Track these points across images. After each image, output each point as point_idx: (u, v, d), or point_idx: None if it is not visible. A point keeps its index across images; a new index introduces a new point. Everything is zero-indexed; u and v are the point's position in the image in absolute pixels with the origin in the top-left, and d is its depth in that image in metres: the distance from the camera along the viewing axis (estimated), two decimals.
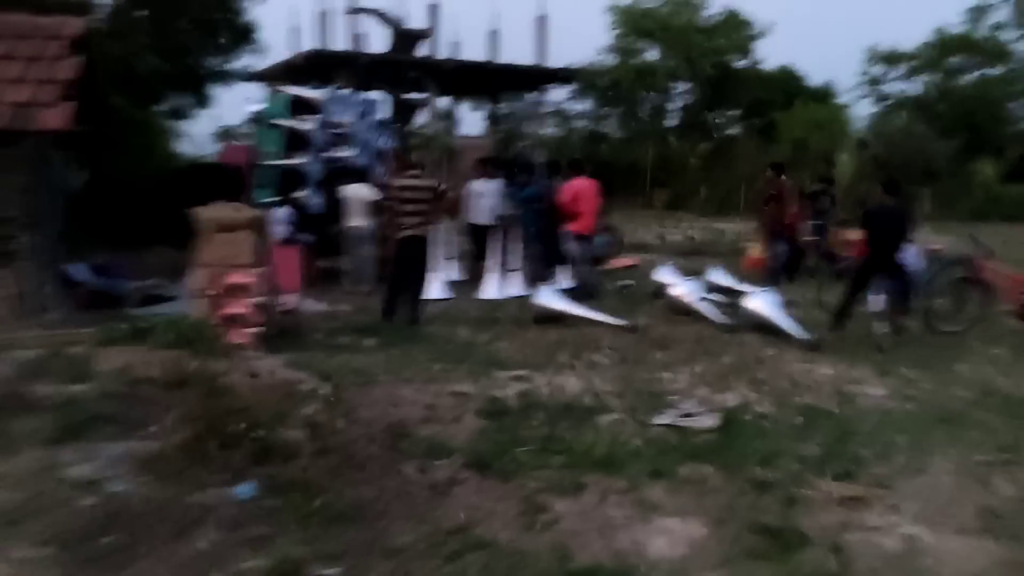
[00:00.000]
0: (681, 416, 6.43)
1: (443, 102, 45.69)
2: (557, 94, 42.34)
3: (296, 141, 12.63)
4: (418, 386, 7.24)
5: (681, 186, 33.30)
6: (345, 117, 12.72)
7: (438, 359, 8.26)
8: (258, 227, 8.24)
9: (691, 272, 14.42)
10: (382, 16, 38.01)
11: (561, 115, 42.84)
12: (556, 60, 38.38)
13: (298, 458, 5.08)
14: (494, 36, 40.56)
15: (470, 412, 6.55)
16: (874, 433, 6.29)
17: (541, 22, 39.32)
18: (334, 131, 12.78)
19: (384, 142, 13.72)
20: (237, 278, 7.80)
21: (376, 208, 11.84)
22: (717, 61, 36.19)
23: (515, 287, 12.30)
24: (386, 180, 13.63)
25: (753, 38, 37.32)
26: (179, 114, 22.12)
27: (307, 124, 12.42)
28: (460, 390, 7.14)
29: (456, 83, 39.84)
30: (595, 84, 37.26)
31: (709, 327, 10.07)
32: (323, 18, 39.65)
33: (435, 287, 12.01)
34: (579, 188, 12.01)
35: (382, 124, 13.81)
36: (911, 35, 46.61)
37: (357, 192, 11.88)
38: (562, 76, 37.59)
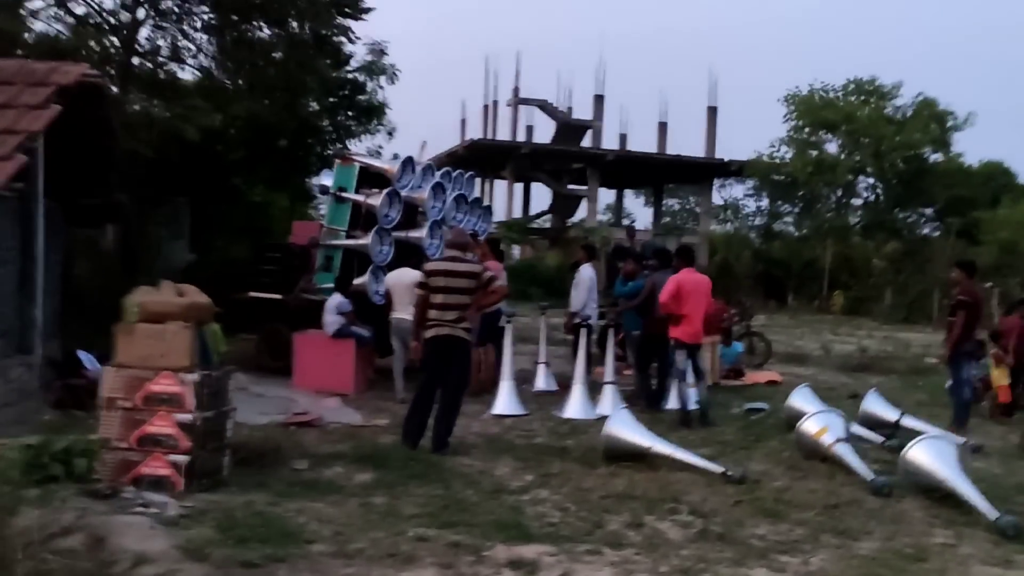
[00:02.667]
0: None
1: (606, 194, 43.79)
2: (733, 189, 39.52)
3: (368, 219, 10.60)
4: (357, 568, 4.69)
5: (863, 289, 29.20)
6: (422, 192, 10.60)
7: (432, 516, 5.67)
8: (199, 317, 6.06)
9: (852, 394, 11.31)
10: (545, 107, 36.65)
11: (733, 210, 39.75)
12: (726, 152, 35.73)
13: None
14: (662, 128, 38.37)
15: None
16: None
17: (711, 113, 36.76)
18: (411, 208, 10.66)
19: (470, 224, 11.48)
20: (162, 385, 5.63)
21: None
22: (909, 155, 32.21)
23: (607, 406, 9.57)
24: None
25: (951, 130, 33.08)
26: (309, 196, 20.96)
27: (375, 198, 10.36)
28: None
29: (620, 175, 37.76)
30: (768, 177, 34.06)
31: (851, 484, 6.95)
32: (488, 110, 38.89)
33: (504, 399, 9.48)
34: (684, 283, 9.24)
35: (470, 203, 11.57)
36: None
37: (402, 277, 9.62)
38: (732, 169, 34.71)
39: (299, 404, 9.14)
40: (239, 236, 17.39)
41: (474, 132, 37.37)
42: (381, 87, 19.20)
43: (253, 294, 11.11)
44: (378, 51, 19.00)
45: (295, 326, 10.76)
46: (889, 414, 9.13)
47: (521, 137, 37.09)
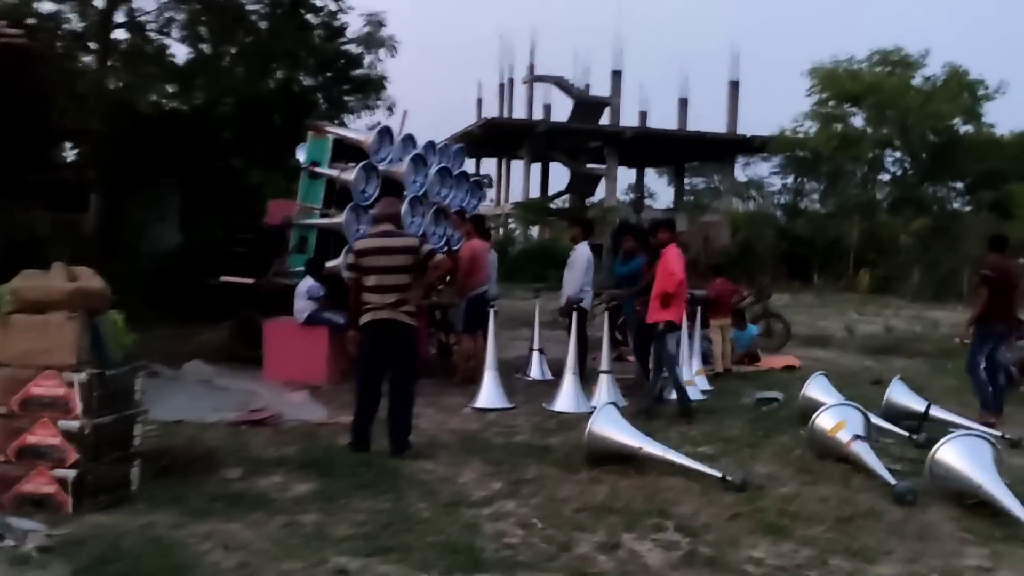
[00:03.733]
0: None
1: (627, 174, 42.59)
2: (758, 167, 38.17)
3: (343, 196, 9.65)
4: None
5: (891, 267, 27.91)
6: (400, 165, 9.62)
7: (367, 539, 4.73)
8: (90, 305, 5.15)
9: (875, 380, 10.26)
10: (561, 84, 35.53)
11: (756, 187, 38.45)
12: (749, 128, 34.44)
13: None
14: (683, 104, 37.09)
15: None
16: None
17: (733, 88, 35.46)
18: (392, 184, 9.68)
19: (457, 200, 10.50)
20: (44, 387, 4.73)
21: None
22: (938, 127, 30.76)
23: (602, 398, 8.60)
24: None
25: (982, 99, 31.54)
26: None
27: (350, 173, 9.40)
28: None
29: (640, 153, 36.58)
30: (792, 154, 32.73)
31: (869, 490, 5.94)
32: (504, 89, 37.81)
33: (487, 391, 8.54)
34: (667, 259, 8.18)
35: (456, 177, 10.57)
36: None
37: None
38: (755, 145, 33.44)
39: (261, 399, 8.26)
40: (229, 218, 16.61)
41: (490, 112, 36.40)
42: (380, 60, 18.31)
43: (224, 278, 10.23)
44: (376, 23, 18.09)
45: (269, 312, 9.88)
46: (915, 404, 8.06)
47: (538, 116, 36.01)
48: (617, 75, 34.62)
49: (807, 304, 22.70)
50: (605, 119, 34.47)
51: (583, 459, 6.43)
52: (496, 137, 33.70)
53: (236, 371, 9.60)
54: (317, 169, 9.71)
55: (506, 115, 36.00)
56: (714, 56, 70.14)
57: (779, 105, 69.04)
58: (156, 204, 15.37)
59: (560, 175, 37.07)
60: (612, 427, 6.39)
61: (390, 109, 18.41)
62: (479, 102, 37.99)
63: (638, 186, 41.11)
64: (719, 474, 5.95)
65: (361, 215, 9.58)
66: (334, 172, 9.58)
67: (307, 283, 9.37)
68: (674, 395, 8.39)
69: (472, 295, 9.32)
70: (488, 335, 8.78)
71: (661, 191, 45.32)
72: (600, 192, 35.37)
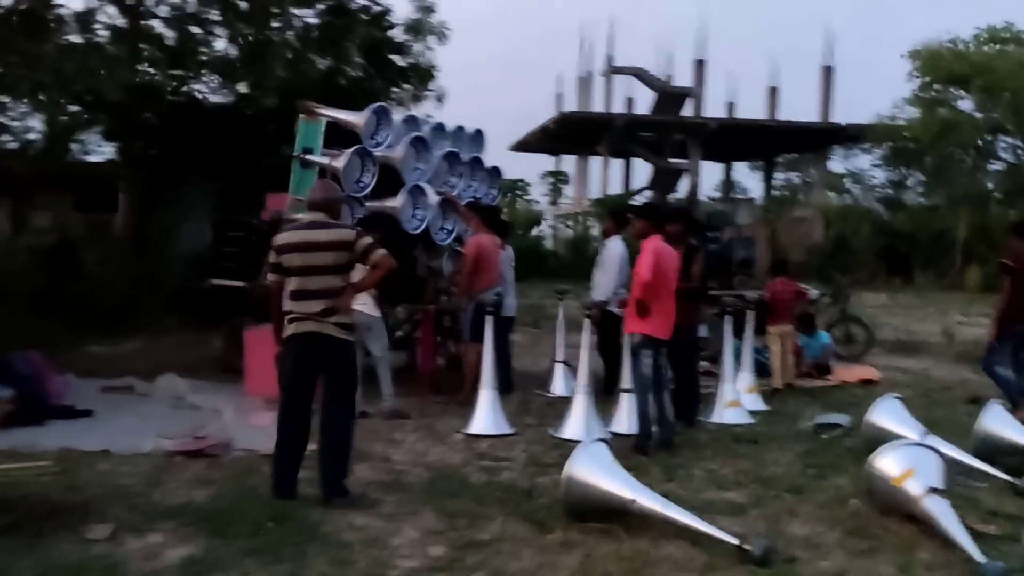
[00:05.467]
0: None
1: (713, 168, 40.23)
2: (858, 160, 35.52)
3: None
4: None
5: None
6: (398, 151, 8.26)
7: None
8: None
9: (972, 398, 8.41)
10: (641, 76, 33.61)
11: (856, 179, 35.70)
12: (844, 116, 31.86)
13: None
14: (772, 93, 34.67)
15: None
16: None
17: (827, 74, 32.88)
18: (394, 172, 8.34)
19: (470, 190, 9.08)
20: None
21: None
22: None
23: (622, 422, 7.06)
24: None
25: None
26: None
27: (341, 159, 8.11)
28: None
29: (726, 145, 34.39)
30: (892, 143, 30.05)
31: (945, 567, 4.26)
32: (583, 83, 36.17)
33: (482, 414, 7.11)
34: (659, 255, 6.51)
35: (470, 164, 9.13)
36: None
37: None
38: (850, 134, 30.87)
39: (221, 421, 7.04)
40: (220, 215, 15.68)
41: (570, 106, 34.81)
42: (430, 48, 17.08)
43: (215, 281, 9.11)
44: (425, 8, 16.88)
45: (263, 319, 8.66)
46: (1020, 436, 6.24)
47: (620, 109, 34.28)
48: (700, 64, 32.51)
49: (905, 304, 20.38)
50: (688, 111, 32.45)
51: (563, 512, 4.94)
52: (573, 132, 32.11)
53: (218, 385, 8.45)
54: (309, 157, 8.44)
55: (586, 109, 34.35)
56: (806, 41, 66.41)
57: (877, 91, 64.95)
58: (190, 203, 14.52)
59: (643, 170, 35.19)
60: (598, 471, 4.87)
61: (439, 99, 17.17)
62: (558, 97, 36.43)
63: (726, 181, 38.81)
64: (735, 541, 4.37)
65: (356, 209, 8.27)
66: (325, 160, 8.29)
67: None
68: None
69: (479, 298, 7.90)
70: (485, 345, 7.31)
71: (752, 185, 42.82)
72: (683, 187, 33.36)
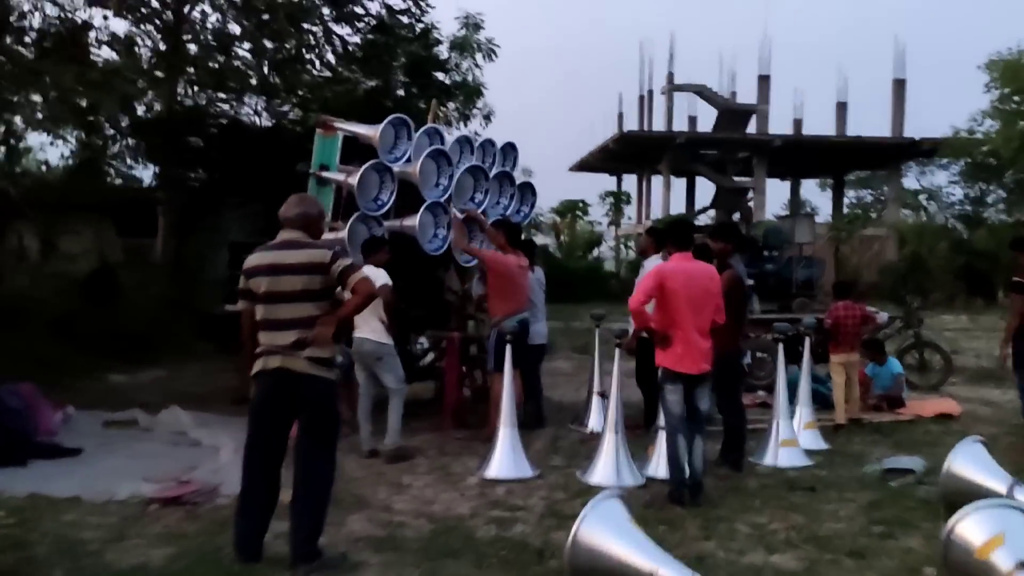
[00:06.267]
0: None
1: (781, 186, 38.79)
2: (935, 177, 33.83)
3: (352, 205, 7.71)
4: None
5: None
6: (417, 165, 7.56)
7: None
8: None
9: None
10: (703, 93, 32.58)
11: (932, 196, 33.99)
12: (917, 131, 30.30)
13: None
14: (841, 108, 33.27)
15: None
16: None
17: (898, 87, 31.38)
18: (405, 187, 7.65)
19: (499, 208, 8.32)
20: None
21: (389, 306, 6.60)
22: None
23: (660, 464, 6.18)
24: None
25: None
26: None
27: (355, 176, 7.45)
28: None
29: (793, 162, 33.08)
30: (971, 160, 28.37)
31: None
32: (644, 101, 35.32)
33: (500, 456, 6.31)
34: (670, 276, 5.59)
35: (497, 179, 8.37)
36: None
37: None
38: (924, 148, 29.31)
39: (217, 461, 6.39)
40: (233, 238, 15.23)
41: (631, 126, 33.95)
42: (478, 66, 16.49)
43: (229, 307, 8.52)
44: (473, 25, 16.31)
45: None
46: None
47: (681, 128, 33.29)
48: (765, 80, 31.38)
49: (988, 327, 18.89)
50: (753, 128, 31.30)
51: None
52: (634, 151, 31.27)
53: (226, 419, 7.80)
54: (325, 174, 7.82)
55: (647, 128, 33.46)
56: (876, 54, 64.24)
57: (952, 104, 62.28)
58: (229, 226, 14.13)
59: (708, 189, 34.06)
60: (611, 535, 4.04)
61: (487, 118, 16.54)
62: (619, 116, 35.56)
63: (793, 199, 37.33)
64: None
65: (373, 228, 7.61)
66: (340, 176, 7.66)
67: None
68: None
69: (501, 326, 7.14)
70: (505, 377, 6.52)
71: (822, 204, 41.21)
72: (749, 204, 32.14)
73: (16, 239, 12.05)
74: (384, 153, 7.65)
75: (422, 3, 14.68)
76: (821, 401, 8.17)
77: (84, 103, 11.04)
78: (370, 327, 6.63)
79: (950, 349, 11.32)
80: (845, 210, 36.11)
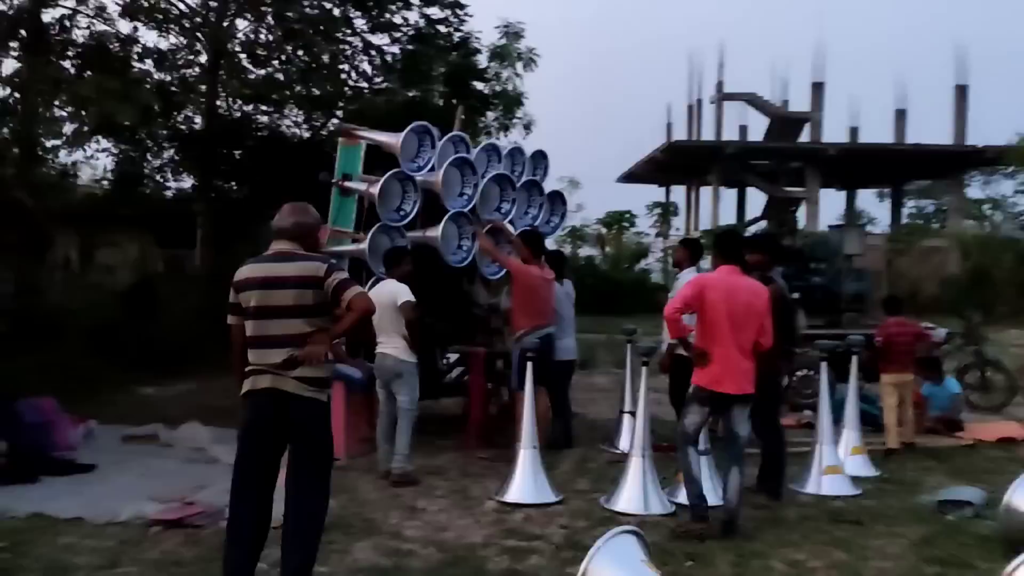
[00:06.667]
0: None
1: (836, 196, 37.68)
2: (1001, 186, 32.67)
3: (374, 215, 7.45)
4: None
5: None
6: (439, 174, 7.25)
7: None
8: None
9: None
10: (754, 101, 31.86)
11: (994, 205, 32.78)
12: (980, 139, 29.22)
13: None
14: (899, 116, 32.25)
15: None
16: None
17: (960, 93, 30.29)
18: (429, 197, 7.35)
19: (527, 219, 7.99)
20: None
21: (411, 323, 6.29)
22: None
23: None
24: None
25: None
26: None
27: (376, 186, 7.18)
28: None
29: (849, 172, 32.10)
30: None
31: None
32: (693, 110, 34.71)
33: (519, 479, 5.96)
34: (711, 288, 5.20)
35: (526, 188, 8.03)
36: None
37: (381, 295, 6.22)
38: (988, 156, 28.20)
39: (227, 478, 6.13)
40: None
41: (681, 136, 33.36)
42: (518, 75, 16.22)
43: None
44: (513, 34, 16.05)
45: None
46: None
47: (731, 137, 32.60)
48: (818, 88, 30.55)
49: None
50: (806, 137, 30.50)
51: None
52: (682, 161, 30.66)
53: None
54: (348, 184, 7.57)
55: (696, 138, 32.86)
56: (936, 59, 62.45)
57: (1018, 110, 60.17)
58: (267, 238, 14.05)
59: (759, 200, 33.28)
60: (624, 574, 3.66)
61: (527, 127, 16.25)
62: (668, 126, 34.99)
63: (849, 210, 36.27)
64: None
65: (396, 239, 7.34)
66: (361, 186, 7.40)
67: None
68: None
69: (527, 340, 6.80)
70: (526, 395, 6.16)
71: (881, 215, 40.08)
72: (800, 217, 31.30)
73: (58, 252, 12.10)
74: (406, 162, 7.39)
75: (460, 12, 14.46)
76: (872, 423, 7.67)
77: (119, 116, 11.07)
78: (392, 343, 6.33)
79: (1015, 367, 10.64)
80: (905, 221, 35.02)
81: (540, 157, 8.47)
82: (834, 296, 10.75)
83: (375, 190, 7.20)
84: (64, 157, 13.19)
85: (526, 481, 5.89)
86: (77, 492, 5.86)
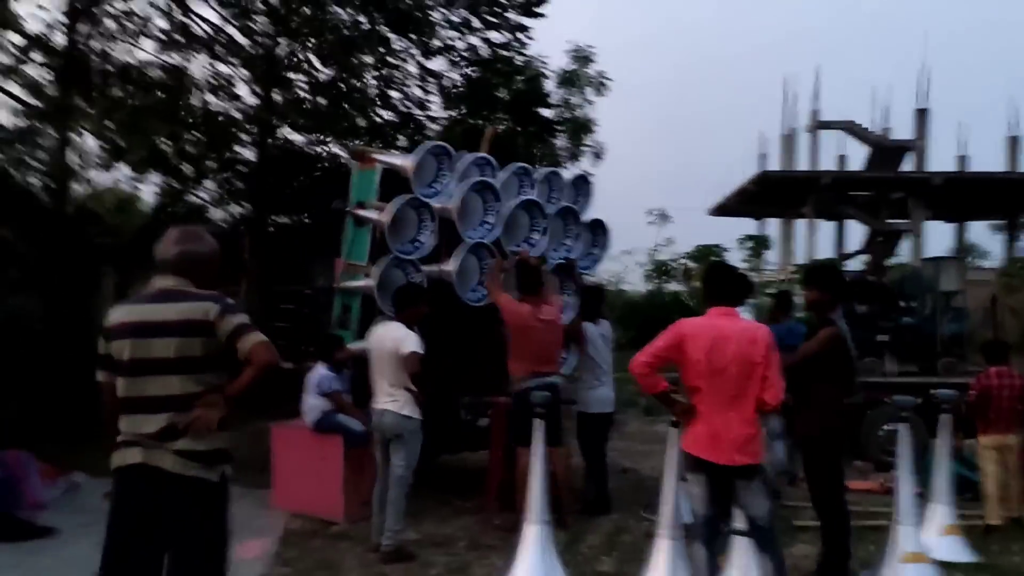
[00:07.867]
0: None
1: (943, 229, 35.23)
2: None
3: (387, 247, 6.68)
4: None
5: None
6: (455, 200, 6.43)
7: None
8: None
9: None
10: (853, 129, 30.09)
11: None
12: None
13: None
14: (1012, 143, 29.96)
15: None
16: None
17: None
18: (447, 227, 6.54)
19: (560, 251, 7.07)
20: None
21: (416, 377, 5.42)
22: None
23: (743, 571, 4.69)
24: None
25: None
26: None
27: (386, 214, 6.40)
28: None
29: (957, 202, 29.92)
30: None
31: None
32: (787, 140, 33.13)
33: (528, 556, 4.98)
34: (693, 336, 4.10)
35: (559, 216, 7.12)
36: None
37: (383, 340, 5.50)
38: None
39: None
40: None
41: (775, 166, 31.84)
42: (589, 101, 15.45)
43: (282, 363, 7.64)
44: (583, 58, 15.32)
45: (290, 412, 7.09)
46: None
47: (828, 167, 30.91)
48: (923, 114, 28.69)
49: None
50: (909, 167, 28.61)
51: None
52: (775, 193, 29.12)
53: (243, 491, 6.82)
54: (363, 213, 6.83)
55: (790, 168, 31.28)
56: None
57: None
58: (315, 270, 13.54)
59: (858, 233, 31.36)
60: None
61: (598, 155, 15.41)
62: (761, 157, 33.48)
63: (959, 243, 33.85)
64: None
65: (411, 273, 6.54)
66: (373, 214, 6.65)
67: (318, 372, 6.49)
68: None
69: (522, 388, 5.87)
70: (535, 457, 5.19)
71: (995, 248, 37.32)
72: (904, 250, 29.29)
73: (97, 286, 11.79)
74: (422, 187, 6.60)
75: (523, 36, 13.77)
76: (971, 490, 6.41)
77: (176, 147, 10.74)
78: (391, 397, 5.47)
79: None
80: (1021, 255, 32.40)
81: (582, 182, 7.57)
82: (928, 339, 9.37)
83: (386, 218, 6.42)
84: (119, 186, 13.10)
85: (533, 563, 4.90)
86: (16, 564, 5.19)
